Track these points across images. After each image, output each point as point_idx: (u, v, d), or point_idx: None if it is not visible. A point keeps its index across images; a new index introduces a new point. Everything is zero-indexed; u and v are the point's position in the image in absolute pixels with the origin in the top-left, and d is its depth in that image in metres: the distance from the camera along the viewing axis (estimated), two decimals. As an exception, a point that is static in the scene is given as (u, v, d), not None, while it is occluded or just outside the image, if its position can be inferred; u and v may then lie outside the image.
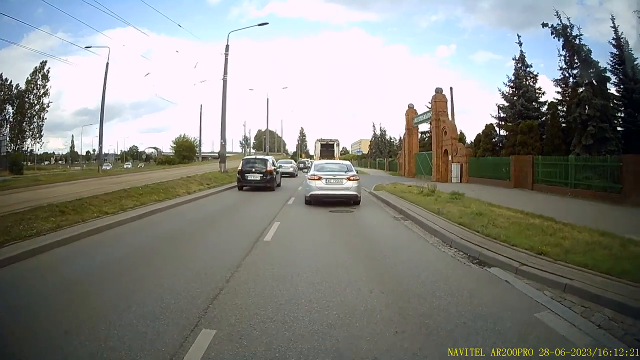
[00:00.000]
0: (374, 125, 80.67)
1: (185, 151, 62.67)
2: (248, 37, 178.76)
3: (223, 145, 23.58)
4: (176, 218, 9.95)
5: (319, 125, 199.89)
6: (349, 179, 12.82)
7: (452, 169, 27.61)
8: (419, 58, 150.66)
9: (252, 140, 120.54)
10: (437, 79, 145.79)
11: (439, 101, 31.66)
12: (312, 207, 12.09)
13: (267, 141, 52.62)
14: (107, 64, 27.88)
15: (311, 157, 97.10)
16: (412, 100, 40.01)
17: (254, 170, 19.04)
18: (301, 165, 41.36)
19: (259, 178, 18.78)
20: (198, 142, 68.60)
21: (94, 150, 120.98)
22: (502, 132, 27.41)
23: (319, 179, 12.69)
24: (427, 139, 46.54)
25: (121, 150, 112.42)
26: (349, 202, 12.78)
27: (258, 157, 21.38)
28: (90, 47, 44.79)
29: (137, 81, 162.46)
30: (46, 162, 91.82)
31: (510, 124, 26.75)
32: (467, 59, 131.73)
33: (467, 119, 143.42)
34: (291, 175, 31.94)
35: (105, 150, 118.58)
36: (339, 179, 12.74)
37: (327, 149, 42.74)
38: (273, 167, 19.74)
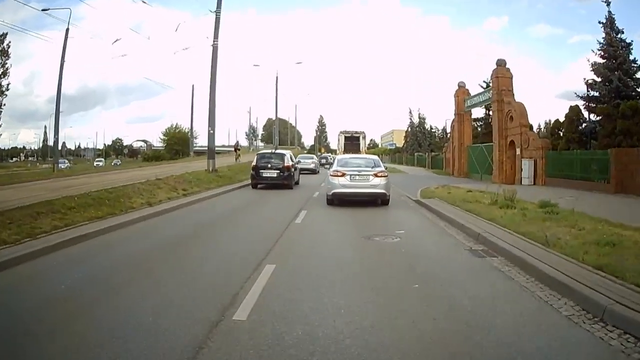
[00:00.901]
0: (410, 112, 76.14)
1: (178, 144, 62.62)
2: (255, 7, 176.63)
3: (211, 135, 21.12)
4: (107, 254, 7.65)
5: (341, 114, 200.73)
6: (376, 175, 13.26)
7: (521, 166, 25.17)
8: (462, 32, 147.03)
9: (260, 132, 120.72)
10: (485, 57, 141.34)
11: (502, 77, 28.35)
12: (337, 211, 12.19)
13: (277, 131, 50.24)
14: (67, 29, 25.45)
15: (332, 151, 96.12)
16: (454, 83, 36.68)
17: (269, 165, 20.07)
18: (323, 161, 44.09)
19: (275, 175, 19.86)
20: (196, 134, 68.42)
21: (78, 145, 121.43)
22: (593, 117, 23.83)
23: (343, 175, 13.20)
24: (480, 127, 43.62)
25: (104, 144, 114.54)
26: (376, 201, 13.34)
27: (275, 151, 22.37)
28: (49, 9, 42.49)
29: (123, 61, 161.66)
30: (14, 159, 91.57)
31: (604, 105, 23.09)
32: (522, 32, 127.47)
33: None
34: (312, 171, 33.63)
35: (83, 145, 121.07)
36: (364, 175, 13.23)
37: (351, 142, 43.63)
38: (291, 163, 20.89)
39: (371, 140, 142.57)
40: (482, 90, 36.38)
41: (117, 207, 11.42)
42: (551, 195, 15.74)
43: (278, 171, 20.10)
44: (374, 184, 13.31)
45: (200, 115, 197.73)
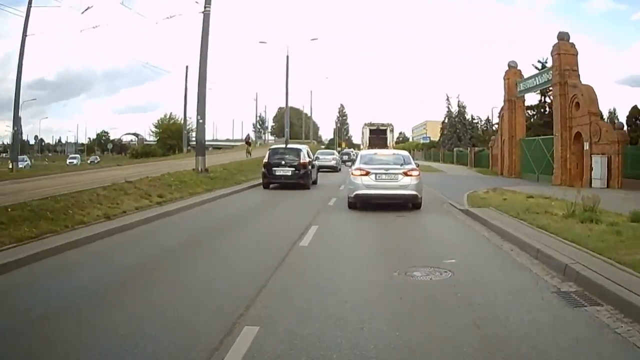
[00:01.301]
0: (448, 99, 74.15)
1: (172, 138, 61.66)
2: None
3: (200, 126, 19.62)
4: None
5: (365, 103, 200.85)
6: (406, 173, 13.32)
7: (591, 164, 23.68)
8: (508, 7, 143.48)
9: (270, 123, 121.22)
10: (535, 35, 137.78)
11: (565, 53, 26.16)
12: (359, 222, 11.81)
13: (287, 122, 49.34)
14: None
15: (354, 146, 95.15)
16: (500, 67, 34.73)
17: (283, 162, 20.47)
18: (345, 157, 43.74)
19: (289, 173, 20.27)
20: (191, 126, 66.84)
21: (58, 139, 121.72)
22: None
23: (367, 174, 13.27)
24: (534, 117, 41.47)
25: (88, 139, 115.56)
26: (406, 204, 13.46)
27: (290, 146, 23.49)
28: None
29: (110, 40, 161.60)
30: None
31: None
32: (579, 7, 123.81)
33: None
34: (333, 169, 34.81)
35: (64, 139, 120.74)
36: (392, 174, 13.31)
37: (377, 135, 44.53)
38: (308, 159, 21.30)
39: (400, 133, 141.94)
40: (537, 72, 34.04)
41: (61, 222, 9.66)
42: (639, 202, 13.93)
43: (293, 169, 20.39)
44: (404, 184, 13.33)
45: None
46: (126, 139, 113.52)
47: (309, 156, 22.21)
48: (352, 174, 13.90)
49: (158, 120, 66.82)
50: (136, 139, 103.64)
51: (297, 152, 21.42)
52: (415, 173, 13.67)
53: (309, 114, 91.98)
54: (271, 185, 20.59)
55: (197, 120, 20.08)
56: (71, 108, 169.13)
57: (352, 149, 67.67)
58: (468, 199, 16.21)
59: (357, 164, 14.24)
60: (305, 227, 10.78)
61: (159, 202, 13.81)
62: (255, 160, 32.00)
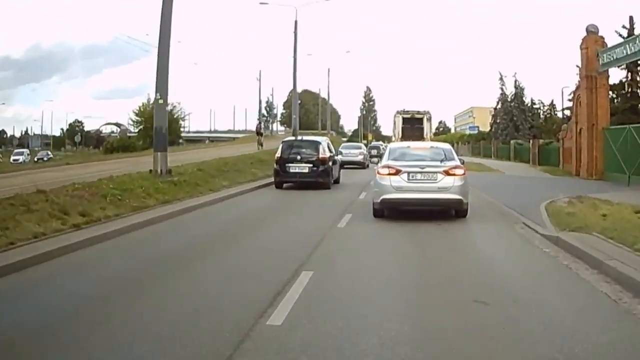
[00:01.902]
0: (501, 79, 70.88)
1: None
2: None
3: (161, 108, 17.70)
4: None
5: (396, 86, 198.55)
6: (447, 172, 13.37)
7: None
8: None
9: (280, 110, 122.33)
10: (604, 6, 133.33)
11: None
12: (389, 234, 11.97)
13: (296, 107, 48.15)
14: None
15: (384, 138, 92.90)
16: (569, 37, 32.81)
17: (299, 157, 21.35)
18: (373, 152, 46.63)
19: (307, 170, 21.18)
20: (181, 114, 69.87)
21: (25, 130, 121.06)
22: None
23: (397, 172, 13.42)
24: (616, 101, 40.27)
25: (61, 130, 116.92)
26: (448, 211, 13.75)
27: (306, 138, 25.16)
28: None
29: (93, 9, 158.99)
30: None
31: None
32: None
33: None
34: (359, 165, 36.40)
35: (35, 130, 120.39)
36: (430, 172, 13.42)
37: (412, 125, 45.07)
38: (329, 154, 22.30)
39: (440, 122, 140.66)
40: (627, 39, 30.91)
41: None
42: None
43: (310, 165, 21.21)
44: (445, 186, 13.32)
45: (189, 86, 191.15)
46: (107, 130, 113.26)
47: (329, 150, 23.02)
48: (378, 173, 13.96)
49: (139, 107, 67.34)
50: (118, 129, 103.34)
51: (316, 145, 22.09)
52: (460, 172, 13.58)
53: (327, 98, 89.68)
54: (284, 185, 21.52)
55: (156, 100, 17.68)
56: (42, 92, 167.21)
57: (380, 142, 69.33)
58: (550, 216, 13.28)
59: (384, 161, 14.25)
60: (313, 247, 10.24)
61: (78, 224, 11.02)
62: (254, 155, 30.46)
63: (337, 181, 23.42)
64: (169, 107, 66.48)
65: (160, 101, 17.57)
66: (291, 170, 21.16)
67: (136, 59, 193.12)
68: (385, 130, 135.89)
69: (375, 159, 23.47)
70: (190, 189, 17.40)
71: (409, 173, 13.50)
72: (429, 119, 46.97)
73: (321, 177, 21.23)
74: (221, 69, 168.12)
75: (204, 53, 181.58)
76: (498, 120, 70.60)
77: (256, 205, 17.28)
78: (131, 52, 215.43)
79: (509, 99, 69.38)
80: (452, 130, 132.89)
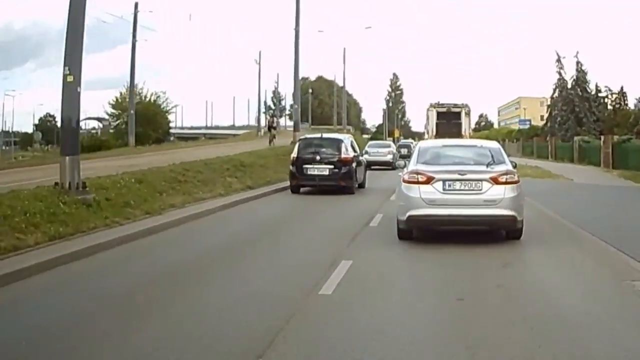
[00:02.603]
0: (558, 61, 65.54)
1: (140, 123, 62.09)
2: None
3: (69, 87, 14.05)
4: None
5: (428, 74, 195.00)
6: (495, 180, 12.77)
7: None
8: None
9: (289, 101, 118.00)
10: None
11: None
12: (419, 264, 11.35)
13: (297, 94, 44.41)
14: None
15: (415, 135, 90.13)
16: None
17: (318, 158, 22.22)
18: (403, 151, 48.27)
19: (327, 172, 22.03)
20: (166, 106, 68.88)
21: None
22: None
23: (429, 180, 12.83)
24: None
25: (34, 126, 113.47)
26: (497, 230, 13.43)
27: (327, 136, 26.00)
28: None
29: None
30: None
31: None
32: None
33: None
34: (388, 166, 36.43)
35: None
36: (473, 180, 12.84)
37: (448, 120, 44.60)
38: (352, 154, 23.26)
39: (481, 116, 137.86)
40: None
41: None
42: None
43: (331, 166, 21.89)
44: (493, 198, 12.53)
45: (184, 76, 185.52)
46: (89, 125, 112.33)
47: (353, 149, 23.71)
48: (403, 180, 13.25)
49: (116, 98, 66.19)
50: (100, 125, 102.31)
51: (337, 143, 22.86)
52: (514, 179, 12.90)
53: (342, 85, 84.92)
54: (301, 189, 22.41)
55: (64, 78, 13.93)
56: (14, 82, 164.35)
57: (411, 140, 70.37)
58: None
59: (412, 164, 13.54)
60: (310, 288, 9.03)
61: None
62: (236, 158, 27.35)
63: (362, 185, 24.06)
64: (157, 96, 63.83)
65: (70, 78, 13.77)
66: (309, 173, 21.76)
67: (122, 44, 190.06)
68: (416, 126, 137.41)
69: (402, 162, 19.61)
70: (112, 213, 13.65)
71: (444, 181, 12.72)
72: (468, 113, 46.13)
73: (343, 181, 21.81)
74: (220, 55, 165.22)
75: (199, 37, 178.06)
76: (555, 112, 66.48)
77: (219, 239, 14.19)
78: (117, 34, 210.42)
79: (567, 86, 65.30)
80: (496, 125, 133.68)
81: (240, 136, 69.88)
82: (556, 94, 67.02)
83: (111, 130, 72.64)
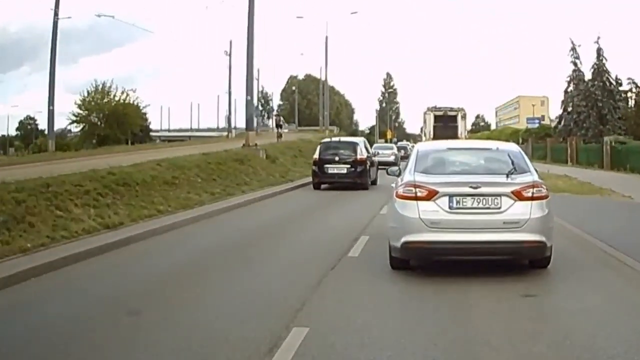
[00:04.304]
0: (573, 49, 59.52)
1: (109, 125, 63.03)
2: None
3: None
4: None
5: (423, 74, 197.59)
6: (519, 195, 10.88)
7: None
8: None
9: (277, 101, 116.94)
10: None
11: None
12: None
13: (251, 84, 37.62)
14: None
15: (410, 137, 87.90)
16: None
17: (337, 159, 26.12)
18: (402, 153, 51.39)
19: (345, 171, 25.81)
20: (135, 102, 67.02)
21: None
22: None
23: (430, 195, 10.99)
24: None
25: (17, 130, 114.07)
26: (520, 260, 11.66)
27: (344, 139, 31.36)
28: None
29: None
30: None
31: None
32: None
33: None
34: (393, 165, 45.83)
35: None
36: (489, 195, 10.93)
37: (445, 123, 47.50)
38: (366, 155, 27.15)
39: (478, 116, 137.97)
40: None
41: None
42: None
43: (349, 166, 25.67)
44: (515, 219, 10.57)
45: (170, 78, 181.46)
46: (76, 128, 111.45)
47: (367, 151, 27.53)
48: (396, 196, 11.17)
49: (83, 97, 64.22)
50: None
51: (354, 146, 26.94)
52: (541, 193, 10.73)
53: (324, 79, 79.98)
54: (322, 186, 26.26)
55: None
56: (8, 86, 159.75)
57: (409, 142, 72.12)
58: None
59: (408, 173, 11.39)
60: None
61: None
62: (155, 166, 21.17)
63: (374, 182, 27.35)
64: (129, 97, 61.14)
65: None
66: (329, 172, 25.56)
67: (118, 46, 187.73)
68: (410, 128, 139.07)
69: (396, 168, 15.71)
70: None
71: (451, 196, 10.71)
72: (464, 117, 48.79)
73: (360, 178, 25.53)
74: (203, 54, 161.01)
75: (186, 37, 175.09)
76: (570, 109, 59.92)
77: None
78: (112, 37, 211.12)
79: (584, 78, 58.81)
80: (493, 126, 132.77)
81: (214, 138, 65.12)
82: (571, 88, 60.67)
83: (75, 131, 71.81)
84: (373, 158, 28.61)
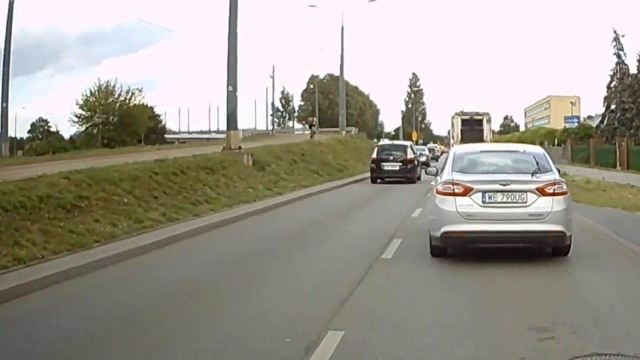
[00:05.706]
0: (616, 39, 57.38)
1: (115, 125, 61.76)
2: None
3: None
4: None
5: (450, 75, 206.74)
6: (543, 191, 12.33)
7: None
8: None
9: (298, 101, 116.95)
10: None
11: None
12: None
13: (234, 77, 34.36)
14: None
15: (435, 139, 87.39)
16: None
17: (391, 158, 32.60)
18: (431, 154, 58.89)
19: (397, 168, 32.25)
20: (140, 102, 65.87)
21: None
22: None
23: (466, 192, 12.43)
24: None
25: (29, 133, 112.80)
26: (541, 248, 13.08)
27: (396, 142, 41.65)
28: None
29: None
30: None
31: None
32: None
33: None
34: (426, 165, 45.93)
35: (22, 130, 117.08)
36: (516, 191, 12.43)
37: (471, 127, 50.12)
38: (413, 155, 33.93)
39: (507, 117, 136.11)
40: None
41: None
42: None
43: (400, 164, 31.92)
44: (539, 212, 12.04)
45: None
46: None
47: (414, 152, 34.42)
48: (436, 192, 12.83)
49: (86, 97, 61.58)
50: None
51: (404, 148, 33.84)
52: (562, 189, 12.39)
53: (340, 74, 77.53)
54: (378, 180, 32.22)
55: None
56: (31, 87, 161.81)
57: (436, 145, 76.73)
58: None
59: (446, 173, 12.92)
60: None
61: None
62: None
63: (419, 178, 32.37)
64: (136, 97, 60.49)
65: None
66: (385, 169, 31.87)
67: (140, 48, 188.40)
68: (438, 129, 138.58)
69: (434, 169, 16.44)
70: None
71: (484, 192, 12.24)
72: (489, 121, 51.73)
73: (409, 174, 31.60)
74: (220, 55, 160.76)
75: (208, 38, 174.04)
76: (614, 106, 56.15)
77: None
78: (136, 38, 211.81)
79: (628, 73, 55.67)
80: (522, 127, 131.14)
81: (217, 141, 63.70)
82: (614, 84, 56.83)
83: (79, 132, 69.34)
84: (419, 158, 35.23)
